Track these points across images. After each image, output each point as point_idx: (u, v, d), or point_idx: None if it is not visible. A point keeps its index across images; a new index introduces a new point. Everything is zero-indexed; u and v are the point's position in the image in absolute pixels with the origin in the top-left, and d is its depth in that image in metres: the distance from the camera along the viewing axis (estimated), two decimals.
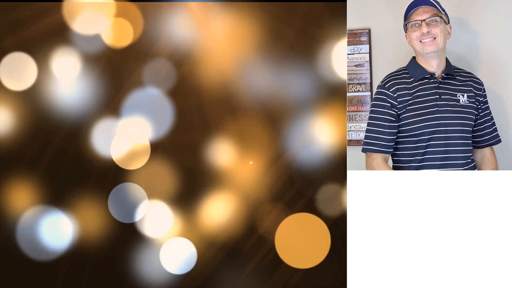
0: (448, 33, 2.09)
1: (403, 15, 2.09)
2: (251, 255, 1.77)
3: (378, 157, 2.08)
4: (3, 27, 1.76)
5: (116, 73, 1.76)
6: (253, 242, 1.77)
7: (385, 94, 2.07)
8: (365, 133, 2.12)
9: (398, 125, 2.06)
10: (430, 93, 2.05)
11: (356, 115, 2.56)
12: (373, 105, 2.11)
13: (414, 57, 2.13)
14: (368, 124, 2.11)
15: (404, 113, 2.05)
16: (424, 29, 2.03)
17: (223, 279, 1.77)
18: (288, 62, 1.77)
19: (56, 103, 1.76)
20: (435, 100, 2.03)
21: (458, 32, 2.33)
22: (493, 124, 2.17)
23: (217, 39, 1.76)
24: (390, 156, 2.13)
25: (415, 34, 2.05)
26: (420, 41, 2.05)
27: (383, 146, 2.07)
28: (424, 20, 2.03)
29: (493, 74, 2.32)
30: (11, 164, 1.77)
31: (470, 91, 2.08)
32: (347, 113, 2.56)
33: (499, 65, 2.31)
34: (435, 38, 2.03)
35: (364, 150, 2.11)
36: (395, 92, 2.06)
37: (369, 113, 2.12)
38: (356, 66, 2.53)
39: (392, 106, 2.06)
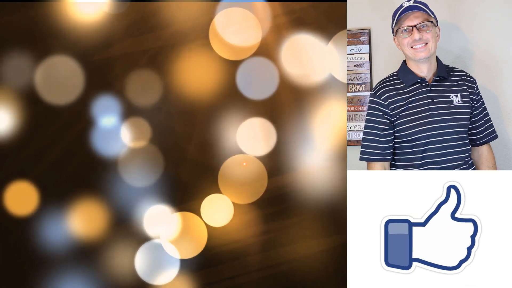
0: (438, 36, 2.07)
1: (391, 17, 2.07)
2: (251, 256, 1.77)
3: (376, 165, 2.10)
4: None
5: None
6: (254, 243, 1.77)
7: (377, 103, 2.08)
8: (362, 141, 2.13)
9: (394, 131, 2.07)
10: (423, 97, 2.04)
11: (356, 115, 2.56)
12: (367, 114, 2.12)
13: (404, 61, 2.12)
14: (364, 133, 2.13)
15: (398, 119, 2.05)
16: (416, 36, 2.00)
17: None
18: (288, 61, 1.77)
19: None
20: (428, 104, 2.03)
21: (452, 33, 2.34)
22: (488, 120, 2.17)
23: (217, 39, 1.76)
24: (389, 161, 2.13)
25: (406, 40, 2.03)
26: (412, 47, 2.03)
27: (380, 154, 2.08)
28: (415, 25, 2.00)
29: (487, 72, 2.32)
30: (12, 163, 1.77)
31: (464, 90, 2.07)
32: (347, 113, 2.56)
33: (493, 64, 2.32)
34: (426, 44, 2.01)
35: (361, 159, 2.13)
36: (386, 100, 2.06)
37: (365, 122, 2.13)
38: (356, 66, 2.53)
39: (385, 114, 2.07)
